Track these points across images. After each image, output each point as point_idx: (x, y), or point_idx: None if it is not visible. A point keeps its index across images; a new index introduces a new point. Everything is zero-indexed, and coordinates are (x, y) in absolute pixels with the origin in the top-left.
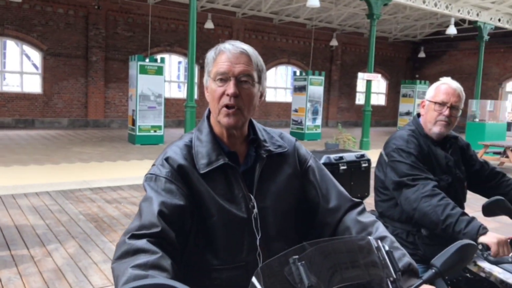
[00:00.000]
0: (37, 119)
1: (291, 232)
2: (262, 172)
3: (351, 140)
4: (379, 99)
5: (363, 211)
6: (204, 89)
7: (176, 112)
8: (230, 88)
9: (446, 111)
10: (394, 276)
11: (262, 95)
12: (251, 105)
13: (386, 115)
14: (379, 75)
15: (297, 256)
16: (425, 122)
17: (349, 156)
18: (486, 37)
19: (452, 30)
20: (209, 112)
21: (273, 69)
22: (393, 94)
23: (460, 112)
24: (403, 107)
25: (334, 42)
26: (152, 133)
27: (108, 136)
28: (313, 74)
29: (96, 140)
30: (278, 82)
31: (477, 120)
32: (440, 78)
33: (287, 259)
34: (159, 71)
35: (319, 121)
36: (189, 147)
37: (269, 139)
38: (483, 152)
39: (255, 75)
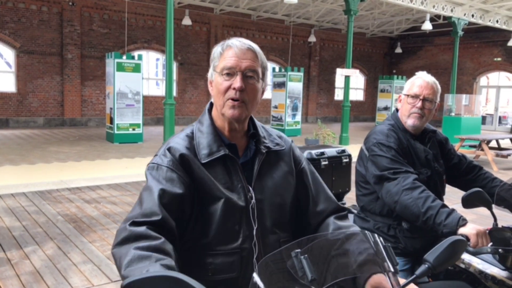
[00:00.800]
0: (11, 118)
1: (286, 225)
2: (260, 166)
3: (331, 135)
4: (357, 94)
5: (344, 217)
6: (208, 83)
7: (154, 110)
8: (237, 82)
9: (418, 103)
10: (393, 270)
11: (263, 91)
12: (254, 100)
13: (365, 110)
14: (357, 71)
15: (299, 250)
16: (401, 116)
17: (330, 152)
18: (460, 33)
19: (427, 26)
20: (210, 105)
21: None
22: (371, 89)
23: (434, 105)
24: (381, 102)
25: (312, 38)
26: (130, 131)
27: (86, 135)
28: (292, 70)
29: (73, 139)
30: None
31: (453, 114)
32: (416, 73)
33: (289, 252)
34: (137, 68)
35: (298, 117)
36: (190, 138)
37: (268, 136)
38: (459, 146)
39: (259, 71)
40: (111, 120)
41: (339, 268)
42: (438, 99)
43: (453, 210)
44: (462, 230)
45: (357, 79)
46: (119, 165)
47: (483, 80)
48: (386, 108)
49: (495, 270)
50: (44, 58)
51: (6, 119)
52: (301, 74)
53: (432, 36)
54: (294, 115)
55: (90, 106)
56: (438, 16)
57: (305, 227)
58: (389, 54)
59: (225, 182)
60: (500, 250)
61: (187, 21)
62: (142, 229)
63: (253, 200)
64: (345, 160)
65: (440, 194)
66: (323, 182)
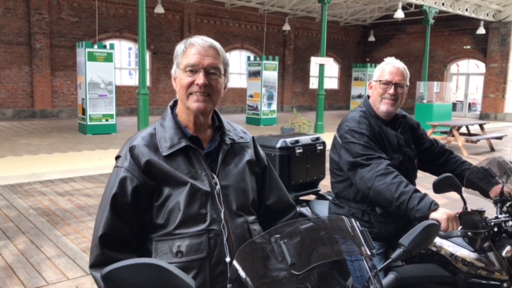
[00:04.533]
0: None
1: (251, 209)
2: (225, 156)
3: (306, 124)
4: (331, 83)
5: (292, 217)
6: (172, 79)
7: (128, 100)
8: (200, 78)
9: (391, 90)
10: (369, 253)
11: (226, 86)
12: (218, 94)
13: (339, 98)
14: (331, 59)
15: (278, 235)
16: (373, 102)
17: (304, 140)
18: (431, 21)
19: (399, 14)
20: (174, 103)
21: (226, 54)
22: (345, 77)
23: (405, 90)
24: (355, 90)
25: (286, 27)
26: (104, 122)
27: (58, 127)
28: (267, 59)
29: (45, 131)
30: (232, 68)
31: (425, 101)
32: (385, 59)
33: (269, 238)
34: (109, 58)
35: (274, 106)
36: (152, 134)
37: (233, 130)
38: (431, 132)
39: (221, 68)
40: (83, 111)
41: (318, 252)
42: (408, 83)
43: (425, 195)
44: (433, 215)
45: (331, 67)
46: (92, 157)
47: (453, 68)
48: (360, 96)
49: (465, 252)
50: (11, 48)
51: None
52: (276, 63)
53: (404, 24)
54: (269, 104)
55: (62, 97)
56: (410, 5)
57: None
58: (363, 42)
59: (188, 171)
60: (469, 233)
61: (159, 9)
62: (108, 254)
63: (218, 186)
64: (319, 148)
65: (411, 178)
66: (281, 182)
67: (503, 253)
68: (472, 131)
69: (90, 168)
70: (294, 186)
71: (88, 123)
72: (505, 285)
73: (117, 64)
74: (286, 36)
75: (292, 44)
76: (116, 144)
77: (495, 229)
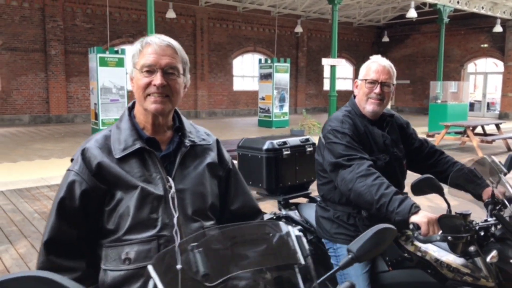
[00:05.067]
0: None
1: (209, 214)
2: (184, 159)
3: (316, 125)
4: (346, 84)
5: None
6: (129, 80)
7: None
8: (158, 79)
9: (377, 89)
10: (303, 262)
11: (186, 86)
12: (178, 94)
13: None
14: (343, 60)
15: (195, 243)
16: (359, 102)
17: (293, 141)
18: (446, 20)
19: (412, 14)
20: (132, 104)
21: (239, 57)
22: None
23: (392, 89)
24: None
25: (298, 29)
26: None
27: (72, 132)
28: (278, 61)
29: (58, 136)
30: (245, 71)
31: (439, 101)
32: (370, 57)
33: (186, 246)
34: (120, 63)
35: (286, 108)
36: (107, 137)
37: (195, 132)
38: (444, 133)
39: (180, 67)
40: (96, 116)
41: (238, 261)
42: (395, 82)
43: (406, 198)
44: (413, 218)
45: (345, 68)
46: None
47: (470, 67)
48: None
49: (451, 258)
50: (27, 55)
51: None
52: (288, 65)
53: (419, 24)
54: (281, 106)
55: (76, 102)
56: (424, 4)
57: (219, 222)
58: (377, 43)
59: (141, 174)
60: (449, 237)
61: (171, 14)
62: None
63: (173, 190)
64: (309, 149)
65: (399, 180)
66: (247, 187)
67: (488, 259)
68: (488, 131)
69: None
70: (283, 189)
71: (101, 127)
72: None
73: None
74: (299, 38)
75: (305, 46)
76: None
77: (482, 233)
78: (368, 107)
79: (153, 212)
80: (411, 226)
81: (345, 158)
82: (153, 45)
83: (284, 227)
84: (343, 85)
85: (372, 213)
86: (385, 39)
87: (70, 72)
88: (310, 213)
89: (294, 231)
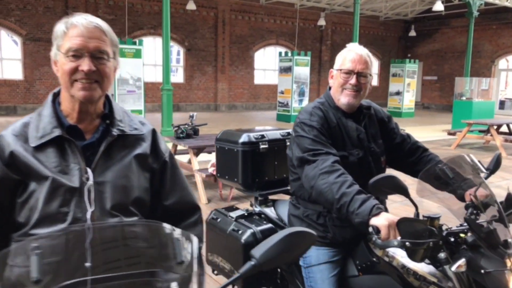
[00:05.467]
0: (19, 105)
1: (131, 209)
2: (109, 149)
3: None
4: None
5: (196, 221)
6: (52, 62)
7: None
8: (85, 65)
9: (352, 80)
10: (176, 269)
11: (115, 69)
12: (108, 80)
13: (379, 95)
14: None
15: (37, 244)
16: (334, 93)
17: (272, 134)
18: (475, 13)
19: (439, 7)
20: (59, 90)
21: (261, 50)
22: (385, 74)
23: (370, 80)
24: (393, 87)
25: (322, 22)
26: None
27: None
28: (299, 54)
29: None
30: (267, 64)
31: (464, 98)
32: (347, 45)
33: (27, 246)
34: (138, 54)
35: (306, 103)
36: (26, 124)
37: (128, 121)
38: (466, 131)
39: (110, 50)
40: None
41: (84, 266)
42: (372, 72)
43: (369, 197)
44: (373, 221)
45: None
46: None
47: (502, 63)
48: (398, 93)
49: (419, 265)
50: (50, 46)
51: (14, 106)
52: (308, 58)
53: (448, 18)
54: (300, 101)
55: None
56: None
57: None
58: (404, 37)
59: (57, 165)
60: (407, 243)
61: (191, 5)
62: None
63: (90, 182)
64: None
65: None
66: (186, 181)
67: (453, 268)
68: None
69: None
70: (260, 184)
71: None
72: None
73: (151, 61)
74: (323, 32)
75: (329, 40)
76: None
77: (452, 239)
78: (343, 99)
79: (64, 205)
80: (370, 229)
81: (310, 153)
82: (79, 26)
83: (168, 228)
84: None
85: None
86: (412, 33)
87: None
88: (285, 210)
89: (178, 233)
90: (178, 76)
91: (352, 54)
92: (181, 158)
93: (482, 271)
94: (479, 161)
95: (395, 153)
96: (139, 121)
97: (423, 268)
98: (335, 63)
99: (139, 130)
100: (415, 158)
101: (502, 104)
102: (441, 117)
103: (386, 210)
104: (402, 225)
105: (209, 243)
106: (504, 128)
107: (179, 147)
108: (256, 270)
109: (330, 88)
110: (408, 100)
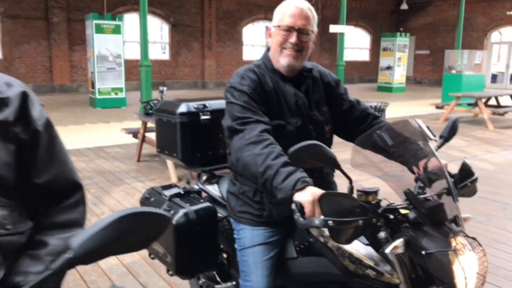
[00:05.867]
0: None
1: None
2: None
3: None
4: (363, 54)
5: (77, 202)
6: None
7: (156, 75)
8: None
9: (293, 38)
10: None
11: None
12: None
13: (370, 70)
14: (352, 27)
15: None
16: (273, 54)
17: (215, 104)
18: None
19: None
20: None
21: (249, 25)
22: (377, 48)
23: (313, 37)
24: (383, 61)
25: None
26: (113, 95)
27: (72, 101)
28: None
29: (57, 105)
30: (256, 40)
31: (454, 71)
32: None
33: None
34: (117, 30)
35: None
36: None
37: None
38: (454, 104)
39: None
40: (93, 85)
41: None
42: (316, 29)
43: (295, 170)
44: (297, 196)
45: (362, 38)
46: (90, 130)
47: (495, 36)
48: (389, 68)
49: (355, 246)
50: (29, 23)
51: None
52: None
53: None
54: None
55: (80, 72)
56: None
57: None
58: (396, 11)
59: None
60: (329, 222)
61: None
62: None
63: None
64: None
65: None
66: (67, 155)
67: (388, 250)
68: (502, 104)
69: (82, 141)
70: (202, 160)
71: (97, 96)
72: None
73: (136, 38)
74: (313, 6)
75: (319, 14)
76: (122, 117)
77: (393, 217)
78: (283, 60)
79: None
80: (293, 206)
81: (238, 122)
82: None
83: None
84: (359, 55)
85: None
86: (404, 6)
87: (73, 40)
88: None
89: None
90: (163, 53)
91: (291, 8)
92: (152, 136)
93: (423, 252)
94: (427, 127)
95: (342, 121)
96: (5, 82)
97: (360, 250)
98: (273, 19)
99: (1, 92)
100: (364, 126)
101: (494, 78)
102: (432, 91)
103: (329, 183)
104: (325, 201)
105: None
106: (493, 101)
107: (149, 125)
108: (74, 265)
109: (269, 49)
110: (399, 74)
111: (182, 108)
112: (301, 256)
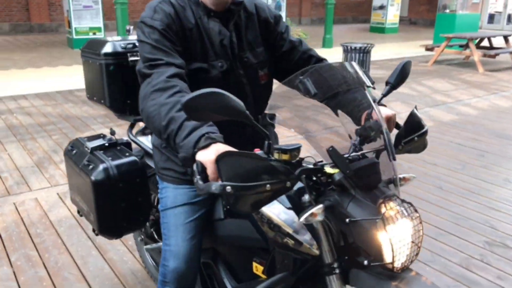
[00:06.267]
0: None
1: None
2: None
3: (302, 36)
4: None
5: None
6: None
7: (130, 13)
8: None
9: None
10: None
11: None
12: None
13: (363, 10)
14: None
15: None
16: None
17: None
18: None
19: None
20: None
21: None
22: None
23: None
24: (376, 0)
25: None
26: (91, 36)
27: (50, 41)
28: None
29: (33, 46)
30: None
31: (447, 11)
32: None
33: None
34: None
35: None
36: None
37: None
38: (444, 46)
39: None
40: (69, 24)
41: None
42: None
43: (202, 125)
44: (199, 155)
45: None
46: (64, 73)
47: None
48: (382, 7)
49: (276, 210)
50: None
51: None
52: None
53: None
54: None
55: (59, 10)
56: None
57: None
58: None
59: None
60: (227, 188)
61: None
62: None
63: None
64: None
65: (248, 97)
66: None
67: (302, 218)
68: (495, 45)
69: (53, 84)
70: (133, 107)
71: (74, 37)
72: (335, 267)
73: None
74: None
75: None
76: None
77: (314, 178)
78: None
79: None
80: (194, 167)
81: (147, 64)
82: None
83: None
84: None
85: None
86: None
87: None
88: None
89: None
90: None
91: None
92: None
93: (347, 220)
94: (364, 72)
95: (281, 65)
96: None
97: (281, 214)
98: None
99: None
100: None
101: (491, 18)
102: (426, 32)
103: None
104: (224, 162)
105: (68, 179)
106: (486, 43)
107: None
108: None
109: None
110: (392, 14)
111: (107, 48)
112: (228, 218)
